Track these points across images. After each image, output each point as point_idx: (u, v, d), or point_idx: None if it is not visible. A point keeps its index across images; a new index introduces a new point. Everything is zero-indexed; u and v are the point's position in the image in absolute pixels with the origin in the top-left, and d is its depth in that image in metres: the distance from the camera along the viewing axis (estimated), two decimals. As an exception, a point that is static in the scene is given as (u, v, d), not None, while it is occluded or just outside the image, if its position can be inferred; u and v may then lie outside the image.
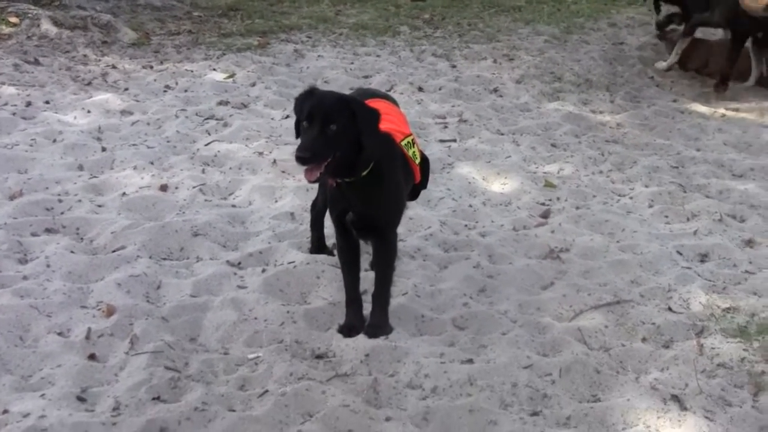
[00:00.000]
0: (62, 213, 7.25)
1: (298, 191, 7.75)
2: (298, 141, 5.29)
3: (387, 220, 5.76)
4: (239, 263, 6.63)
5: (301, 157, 5.13)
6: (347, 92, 6.08)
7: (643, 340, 5.84)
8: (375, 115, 5.40)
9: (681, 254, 7.04)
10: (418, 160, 6.01)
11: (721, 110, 10.91)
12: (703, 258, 7.04)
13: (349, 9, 15.59)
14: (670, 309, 6.21)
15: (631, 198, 8.16)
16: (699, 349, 5.65)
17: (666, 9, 12.73)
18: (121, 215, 7.24)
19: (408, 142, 5.89)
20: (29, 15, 12.53)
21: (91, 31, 12.60)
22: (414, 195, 6.27)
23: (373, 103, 5.77)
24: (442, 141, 9.34)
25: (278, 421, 4.93)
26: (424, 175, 6.19)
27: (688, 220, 7.72)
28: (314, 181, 5.32)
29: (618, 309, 6.19)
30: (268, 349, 5.56)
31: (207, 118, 9.59)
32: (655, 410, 5.04)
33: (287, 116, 9.72)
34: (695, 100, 11.30)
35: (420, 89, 11.10)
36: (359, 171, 5.42)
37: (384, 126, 5.53)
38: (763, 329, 5.89)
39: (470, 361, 5.51)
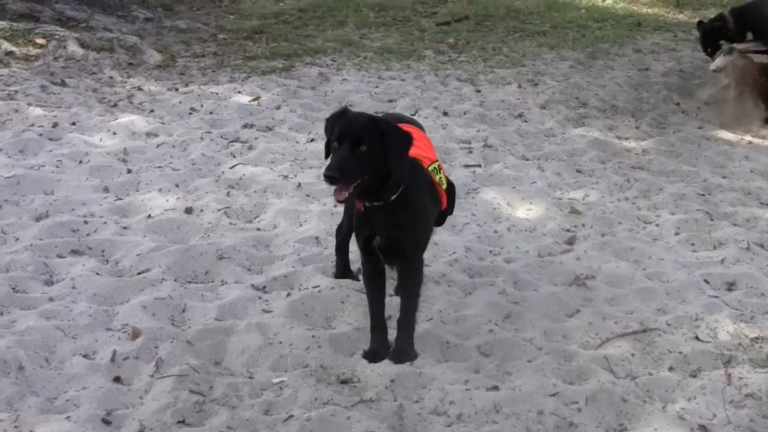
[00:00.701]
0: (88, 235, 7.27)
1: (323, 215, 7.75)
2: (326, 162, 5.29)
3: (414, 245, 5.75)
4: (264, 287, 6.62)
5: (330, 176, 5.13)
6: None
7: (670, 369, 5.79)
8: (407, 138, 5.39)
9: (708, 282, 6.99)
10: (444, 186, 5.99)
11: (748, 137, 10.88)
12: (731, 287, 6.98)
13: (373, 33, 15.61)
14: (697, 338, 6.16)
15: (657, 225, 8.12)
16: (727, 378, 5.60)
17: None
18: (147, 237, 7.25)
19: (435, 167, 5.89)
20: (56, 36, 12.60)
21: (118, 53, 12.66)
22: (440, 221, 6.26)
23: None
24: (466, 166, 9.33)
25: (303, 447, 4.92)
26: (451, 200, 6.18)
27: (714, 248, 7.68)
28: (343, 202, 5.32)
29: (644, 337, 6.14)
30: (293, 374, 5.54)
31: (232, 141, 9.60)
32: (683, 440, 5.02)
33: (312, 139, 9.74)
34: (721, 127, 11.26)
35: (445, 114, 11.10)
36: (388, 195, 5.42)
37: (412, 151, 5.52)
38: (791, 359, 5.85)
39: (495, 388, 5.48)
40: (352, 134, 5.25)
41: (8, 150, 8.79)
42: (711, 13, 17.77)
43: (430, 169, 5.83)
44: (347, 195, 5.22)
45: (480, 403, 5.27)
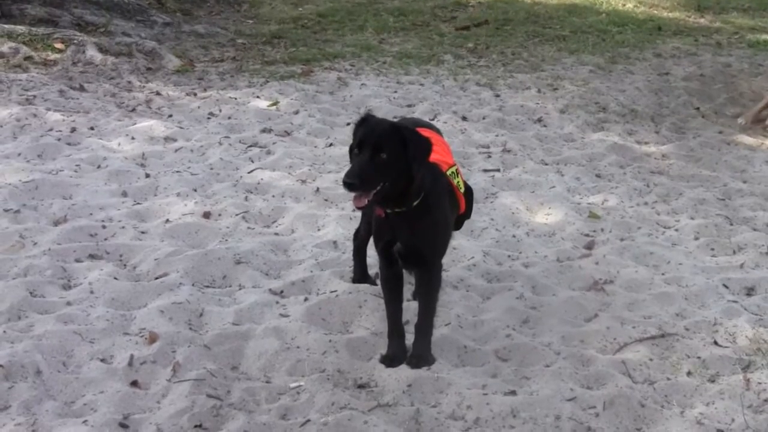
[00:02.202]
0: (106, 239, 7.28)
1: (340, 220, 7.74)
2: (346, 167, 5.29)
3: (434, 251, 5.75)
4: (281, 292, 6.62)
5: (348, 183, 5.12)
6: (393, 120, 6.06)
7: (689, 374, 5.77)
8: (427, 145, 5.38)
9: (727, 287, 6.96)
10: (462, 190, 5.99)
11: (768, 142, 10.84)
12: (750, 291, 6.95)
13: (392, 38, 15.61)
14: (716, 343, 6.13)
15: (676, 230, 8.09)
16: (746, 383, 5.58)
17: None
18: (164, 242, 7.26)
19: (453, 171, 5.88)
20: (75, 41, 12.64)
21: (136, 58, 12.69)
22: (458, 225, 6.25)
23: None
24: (485, 170, 9.31)
25: (320, 452, 4.91)
26: (468, 204, 6.16)
27: (734, 252, 7.64)
28: (362, 208, 5.30)
29: (663, 342, 6.12)
30: (310, 379, 5.54)
31: (250, 146, 9.61)
32: (701, 446, 4.99)
33: (330, 144, 9.74)
34: (741, 132, 11.21)
35: (464, 118, 11.08)
36: (410, 202, 5.41)
37: (430, 156, 5.51)
38: (811, 364, 5.82)
39: (513, 392, 5.46)
40: (373, 141, 5.24)
41: (27, 155, 8.81)
42: (732, 18, 17.83)
43: (448, 173, 5.83)
44: (366, 202, 5.21)
45: (497, 408, 5.26)
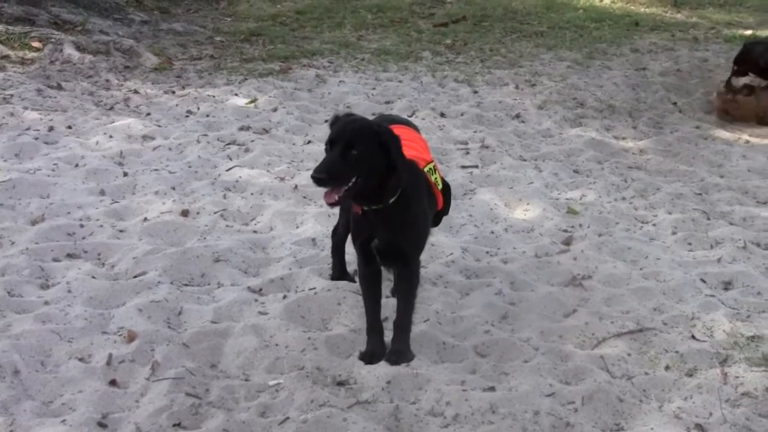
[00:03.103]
0: (84, 238, 7.26)
1: (319, 217, 7.74)
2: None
3: (413, 247, 5.75)
4: (260, 289, 6.62)
5: (316, 178, 5.14)
6: (369, 117, 6.06)
7: (667, 368, 5.79)
8: (397, 140, 5.39)
9: (705, 282, 6.99)
10: (440, 187, 6.00)
11: (745, 136, 10.87)
12: (727, 286, 6.98)
13: (371, 34, 15.61)
14: (693, 337, 6.16)
15: (654, 225, 8.12)
16: (723, 377, 5.60)
17: None
18: (143, 240, 7.25)
19: (430, 168, 5.89)
20: (52, 40, 12.59)
21: (114, 56, 12.65)
22: (436, 221, 6.25)
23: (394, 129, 5.77)
24: (463, 167, 9.32)
25: (299, 449, 4.91)
26: (446, 201, 6.17)
27: (711, 247, 7.67)
28: (333, 205, 5.30)
29: (641, 337, 6.14)
30: (289, 376, 5.54)
31: (228, 144, 9.60)
32: (679, 440, 5.01)
33: (309, 141, 9.74)
34: (719, 127, 11.25)
35: (442, 115, 11.09)
36: (387, 198, 5.42)
37: (407, 153, 5.52)
38: (788, 358, 5.84)
39: (492, 388, 5.47)
40: (343, 138, 5.25)
41: (4, 154, 8.77)
42: (709, 14, 17.91)
43: (425, 170, 5.83)
44: (337, 198, 5.21)
45: (476, 404, 5.26)
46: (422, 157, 5.88)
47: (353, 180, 5.22)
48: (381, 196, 5.42)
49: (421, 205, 5.72)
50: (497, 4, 18.04)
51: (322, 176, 5.13)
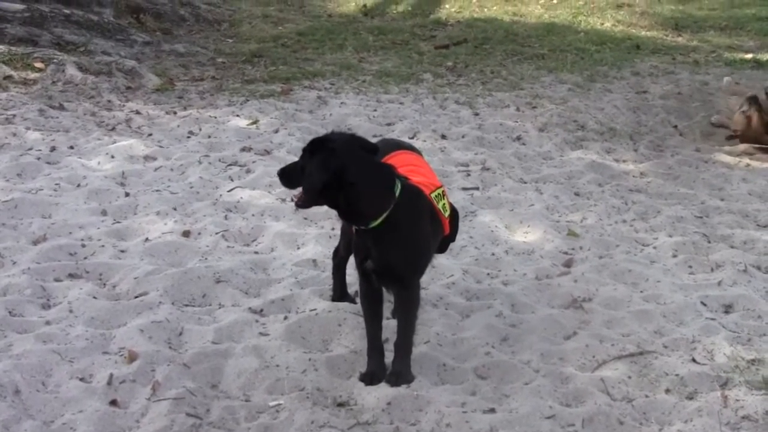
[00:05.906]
0: (85, 258, 7.27)
1: (320, 238, 7.75)
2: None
3: (407, 269, 5.74)
4: (261, 310, 6.63)
5: (278, 173, 5.65)
6: (372, 140, 6.07)
7: (667, 391, 5.79)
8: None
9: (705, 305, 6.99)
10: (447, 213, 5.99)
11: (746, 160, 10.89)
12: (728, 309, 6.99)
13: (372, 56, 15.63)
14: (694, 360, 6.16)
15: (654, 248, 8.12)
16: (723, 401, 5.60)
17: None
18: (144, 261, 7.25)
19: (438, 194, 5.88)
20: (54, 60, 12.61)
21: (116, 77, 12.66)
22: (442, 248, 6.27)
23: (400, 155, 5.83)
24: (464, 189, 9.33)
25: (299, 470, 4.92)
26: (454, 227, 6.18)
27: (712, 270, 7.68)
28: (298, 205, 5.56)
29: (641, 360, 6.15)
30: (290, 397, 5.55)
31: (230, 165, 9.61)
32: (680, 463, 5.02)
33: (310, 163, 9.74)
34: (719, 150, 11.27)
35: (443, 137, 11.11)
36: (367, 220, 5.46)
37: (415, 179, 5.58)
38: (788, 381, 5.84)
39: (492, 410, 5.48)
40: (306, 149, 5.53)
41: (6, 174, 8.79)
42: (710, 37, 17.93)
43: (433, 195, 5.82)
44: (293, 199, 5.72)
45: (477, 426, 5.27)
46: (431, 183, 5.89)
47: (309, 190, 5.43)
48: (359, 217, 5.50)
49: (414, 228, 5.69)
50: (498, 26, 18.06)
51: (279, 173, 5.63)
